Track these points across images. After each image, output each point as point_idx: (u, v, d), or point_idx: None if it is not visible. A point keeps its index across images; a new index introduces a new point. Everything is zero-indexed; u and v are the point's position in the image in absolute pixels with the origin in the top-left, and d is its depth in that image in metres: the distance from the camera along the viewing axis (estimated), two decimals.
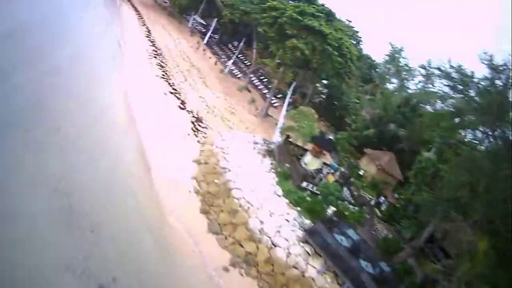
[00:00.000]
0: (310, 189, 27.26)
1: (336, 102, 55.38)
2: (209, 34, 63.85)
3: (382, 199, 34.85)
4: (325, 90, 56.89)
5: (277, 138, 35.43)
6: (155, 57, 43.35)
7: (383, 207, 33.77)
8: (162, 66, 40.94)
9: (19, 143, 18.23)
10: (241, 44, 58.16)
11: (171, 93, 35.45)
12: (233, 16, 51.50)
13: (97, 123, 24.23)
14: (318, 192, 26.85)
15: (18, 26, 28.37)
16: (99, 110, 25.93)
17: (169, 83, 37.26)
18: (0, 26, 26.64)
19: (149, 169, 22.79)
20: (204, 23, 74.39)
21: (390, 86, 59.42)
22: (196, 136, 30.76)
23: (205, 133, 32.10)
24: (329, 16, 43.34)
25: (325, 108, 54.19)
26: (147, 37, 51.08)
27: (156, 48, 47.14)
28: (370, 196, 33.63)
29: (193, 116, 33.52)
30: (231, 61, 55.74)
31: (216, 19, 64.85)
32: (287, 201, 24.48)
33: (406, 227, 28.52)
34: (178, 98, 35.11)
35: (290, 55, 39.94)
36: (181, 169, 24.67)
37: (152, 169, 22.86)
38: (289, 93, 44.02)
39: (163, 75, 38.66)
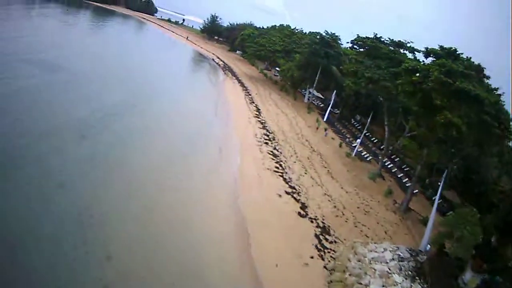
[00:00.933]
0: None
1: (473, 176, 41.66)
2: (329, 109, 57.81)
3: None
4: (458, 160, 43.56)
5: (426, 245, 25.52)
6: (266, 143, 38.15)
7: None
8: (275, 156, 35.07)
9: None
10: (368, 119, 50.19)
11: (288, 193, 28.78)
12: (357, 87, 44.45)
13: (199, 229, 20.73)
14: None
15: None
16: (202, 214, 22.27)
17: (284, 179, 30.77)
18: None
19: None
20: (322, 96, 69.75)
21: None
22: (322, 259, 22.80)
23: (334, 251, 24.00)
24: (478, 72, 33.00)
25: (460, 183, 41.02)
26: (257, 117, 47.38)
27: (268, 131, 42.40)
28: None
29: (318, 226, 25.90)
30: (358, 140, 47.81)
31: (335, 92, 59.14)
32: None
33: None
34: (297, 200, 28.15)
35: (441, 132, 30.38)
36: None
37: None
38: (441, 183, 33.13)
39: (277, 167, 32.61)
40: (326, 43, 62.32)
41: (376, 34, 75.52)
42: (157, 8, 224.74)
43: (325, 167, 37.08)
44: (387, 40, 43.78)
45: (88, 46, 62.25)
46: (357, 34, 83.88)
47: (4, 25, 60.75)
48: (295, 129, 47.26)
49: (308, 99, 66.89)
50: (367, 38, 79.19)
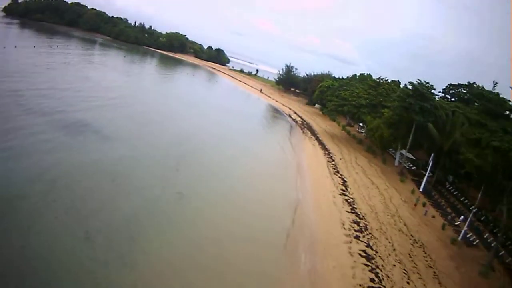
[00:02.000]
0: None
1: None
2: (425, 178, 47.71)
3: None
4: None
5: None
6: (356, 237, 29.72)
7: None
8: (369, 259, 26.49)
9: None
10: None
11: None
12: (482, 161, 33.82)
13: None
14: None
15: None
16: None
17: None
18: None
19: None
20: (412, 157, 59.57)
21: None
22: None
23: None
24: None
25: None
26: (343, 193, 39.17)
27: (358, 215, 33.86)
28: None
29: None
30: (462, 217, 36.86)
31: (432, 156, 48.82)
32: None
33: None
34: None
35: None
36: None
37: None
38: None
39: (373, 281, 24.22)
40: (421, 95, 53.13)
41: (472, 82, 64.92)
42: (229, 58, 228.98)
43: (431, 266, 27.73)
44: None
45: (155, 103, 63.52)
46: (449, 83, 75.11)
47: (63, 73, 65.17)
48: (390, 208, 38.17)
49: (399, 162, 57.27)
50: (466, 85, 68.61)
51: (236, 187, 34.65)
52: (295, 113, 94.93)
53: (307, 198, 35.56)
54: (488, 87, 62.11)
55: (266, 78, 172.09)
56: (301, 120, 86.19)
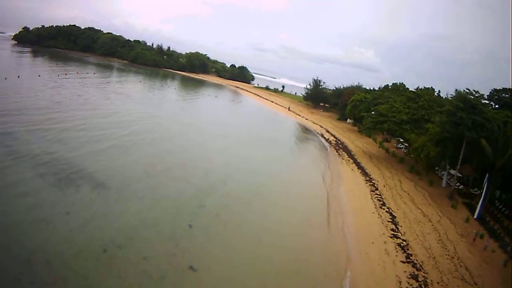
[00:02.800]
0: None
1: None
2: (480, 203, 41.02)
3: None
4: None
5: None
6: None
7: None
8: None
9: None
10: None
11: None
12: None
13: None
14: None
15: None
16: None
17: None
18: None
19: None
20: (459, 174, 52.79)
21: None
22: None
23: None
24: None
25: None
26: (394, 235, 32.91)
27: (415, 266, 27.72)
28: None
29: None
30: None
31: (487, 176, 42.19)
32: None
33: None
34: None
35: None
36: None
37: None
38: None
39: None
40: (472, 108, 47.12)
41: None
42: (253, 75, 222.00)
43: None
44: None
45: (174, 136, 57.90)
46: (493, 89, 68.46)
47: (67, 105, 60.60)
48: (448, 248, 32.42)
49: (447, 182, 51.13)
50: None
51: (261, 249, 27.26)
52: (328, 131, 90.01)
53: (354, 249, 29.96)
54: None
55: (294, 94, 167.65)
56: (334, 139, 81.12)
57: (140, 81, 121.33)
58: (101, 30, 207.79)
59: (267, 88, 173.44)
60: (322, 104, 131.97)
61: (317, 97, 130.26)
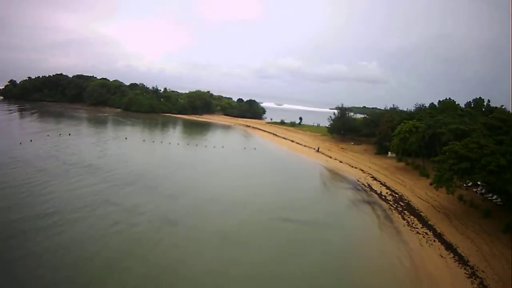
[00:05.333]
0: None
1: None
2: None
3: None
4: None
5: None
6: None
7: None
8: None
9: None
10: None
11: None
12: None
13: None
14: None
15: None
16: None
17: None
18: None
19: None
20: None
21: None
22: None
23: None
24: None
25: None
26: None
27: None
28: None
29: None
30: None
31: None
32: None
33: None
34: None
35: None
36: None
37: None
38: None
39: None
40: None
41: None
42: (264, 108, 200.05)
43: None
44: None
45: (167, 222, 40.45)
46: None
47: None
48: None
49: None
50: None
51: None
52: (374, 178, 71.22)
53: None
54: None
55: (316, 125, 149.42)
56: (388, 191, 62.24)
57: (126, 139, 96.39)
58: (94, 76, 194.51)
59: (282, 123, 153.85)
60: (349, 135, 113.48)
61: (345, 128, 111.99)
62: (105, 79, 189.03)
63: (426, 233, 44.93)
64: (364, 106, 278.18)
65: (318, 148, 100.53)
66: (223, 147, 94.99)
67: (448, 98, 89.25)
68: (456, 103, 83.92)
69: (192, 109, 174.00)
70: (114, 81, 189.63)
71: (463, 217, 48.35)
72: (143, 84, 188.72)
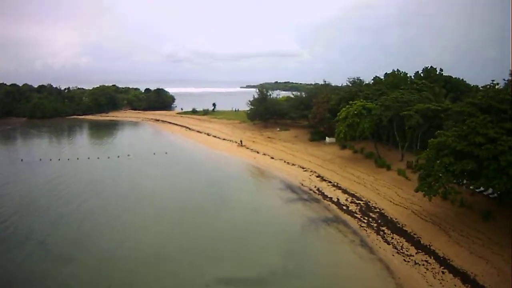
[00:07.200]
0: None
1: None
2: None
3: None
4: None
5: None
6: None
7: None
8: None
9: None
10: None
11: None
12: None
13: None
14: None
15: None
16: None
17: None
18: None
19: None
20: None
21: None
22: None
23: None
24: None
25: None
26: None
27: None
28: None
29: None
30: None
31: None
32: None
33: None
34: None
35: None
36: None
37: None
38: None
39: None
40: None
41: None
42: (173, 96, 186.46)
43: None
44: None
45: None
46: None
47: None
48: None
49: None
50: None
51: None
52: (323, 178, 55.62)
53: None
54: None
55: (235, 110, 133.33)
56: (348, 197, 47.57)
57: (22, 160, 71.14)
58: (4, 83, 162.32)
59: (194, 112, 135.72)
60: (274, 119, 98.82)
61: (269, 112, 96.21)
62: (15, 85, 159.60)
63: (427, 261, 32.02)
64: (288, 82, 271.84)
65: (241, 142, 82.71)
66: (128, 155, 72.27)
67: (373, 71, 78.61)
68: (408, 74, 72.00)
69: (98, 107, 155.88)
70: (23, 85, 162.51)
71: (459, 225, 36.64)
72: (50, 84, 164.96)
